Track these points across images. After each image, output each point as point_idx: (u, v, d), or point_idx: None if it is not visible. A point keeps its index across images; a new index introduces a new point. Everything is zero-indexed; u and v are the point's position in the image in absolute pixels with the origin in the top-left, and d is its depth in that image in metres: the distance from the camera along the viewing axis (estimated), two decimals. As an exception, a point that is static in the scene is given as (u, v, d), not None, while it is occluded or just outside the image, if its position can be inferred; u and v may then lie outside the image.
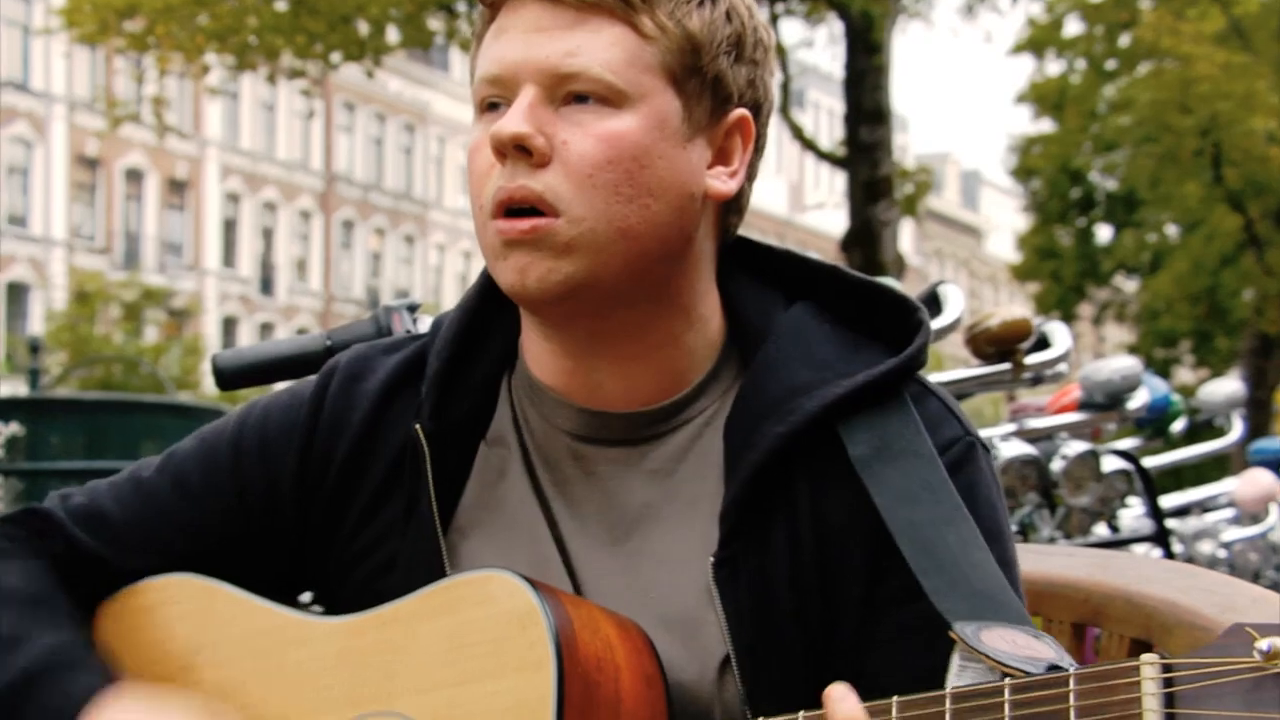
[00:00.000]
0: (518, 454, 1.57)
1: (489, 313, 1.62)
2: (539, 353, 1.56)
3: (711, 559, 1.46)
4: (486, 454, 1.58)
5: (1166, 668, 1.12)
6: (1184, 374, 27.63)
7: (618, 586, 1.51)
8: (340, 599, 1.58)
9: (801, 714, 1.28)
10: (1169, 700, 1.11)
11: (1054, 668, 1.22)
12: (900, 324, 1.53)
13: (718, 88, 1.50)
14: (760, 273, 1.60)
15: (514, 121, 1.44)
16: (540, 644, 1.38)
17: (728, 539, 1.46)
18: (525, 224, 1.45)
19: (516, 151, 1.44)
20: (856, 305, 1.55)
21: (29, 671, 1.51)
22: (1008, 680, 1.18)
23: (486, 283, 1.61)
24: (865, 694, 1.26)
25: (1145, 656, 1.13)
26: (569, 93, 1.45)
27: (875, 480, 1.43)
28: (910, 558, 1.37)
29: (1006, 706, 1.18)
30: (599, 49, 1.45)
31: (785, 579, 1.45)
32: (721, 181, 1.51)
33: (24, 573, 1.59)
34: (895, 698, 1.24)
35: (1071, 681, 1.15)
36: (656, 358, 1.53)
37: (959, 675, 1.27)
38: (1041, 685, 1.17)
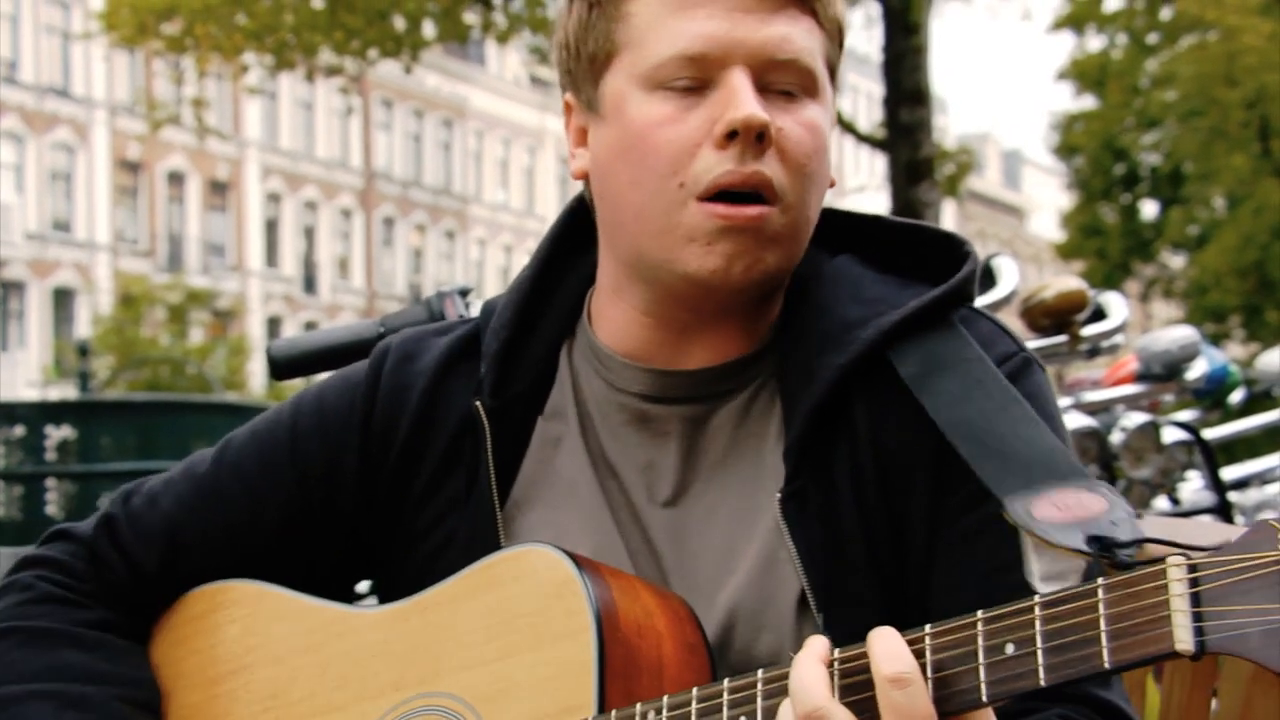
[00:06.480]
0: (575, 425, 1.57)
1: (549, 285, 1.62)
2: (624, 323, 1.55)
3: (779, 495, 1.46)
4: (544, 428, 1.58)
5: (1193, 568, 1.11)
6: (1234, 349, 27.33)
7: (690, 540, 1.51)
8: (400, 580, 1.58)
9: (836, 652, 1.27)
10: (1196, 600, 1.10)
11: (1094, 539, 1.22)
12: (946, 259, 1.55)
13: (837, 76, 1.52)
14: None
15: (758, 108, 1.43)
16: (579, 612, 1.38)
17: (793, 474, 1.47)
18: (754, 210, 1.45)
19: (755, 138, 1.44)
20: (902, 249, 1.57)
21: None
22: (1037, 598, 1.18)
23: (550, 254, 1.62)
24: (940, 608, 1.25)
25: (1171, 559, 1.12)
26: (771, 81, 1.45)
27: (928, 392, 1.43)
28: (966, 453, 1.38)
29: (1038, 623, 1.17)
30: (802, 37, 1.47)
31: (852, 507, 1.45)
32: (831, 168, 1.54)
33: (82, 640, 1.60)
34: (927, 626, 1.23)
35: (1100, 592, 1.15)
36: (753, 323, 1.54)
37: (1037, 560, 1.26)
38: (1070, 599, 1.17)
